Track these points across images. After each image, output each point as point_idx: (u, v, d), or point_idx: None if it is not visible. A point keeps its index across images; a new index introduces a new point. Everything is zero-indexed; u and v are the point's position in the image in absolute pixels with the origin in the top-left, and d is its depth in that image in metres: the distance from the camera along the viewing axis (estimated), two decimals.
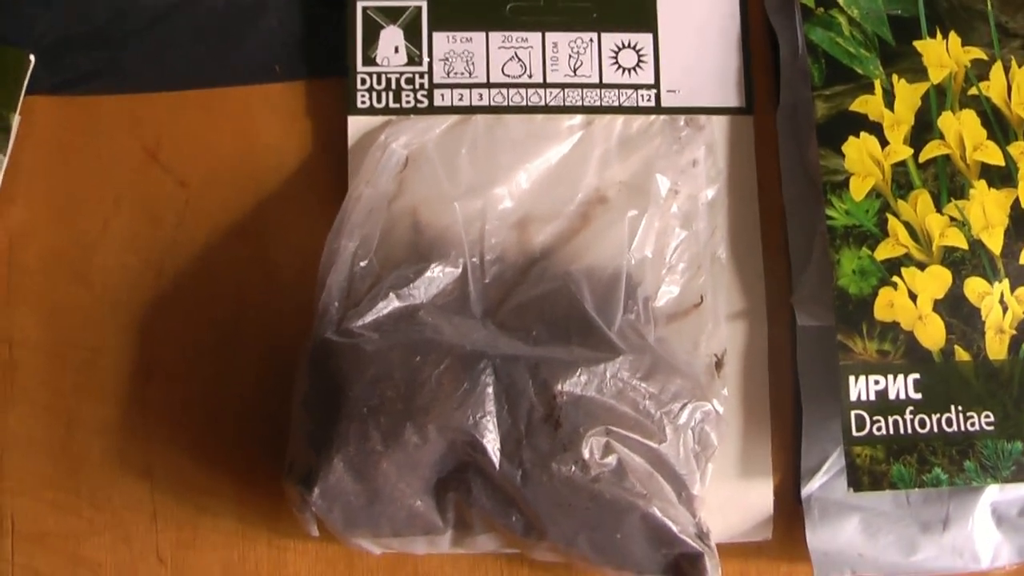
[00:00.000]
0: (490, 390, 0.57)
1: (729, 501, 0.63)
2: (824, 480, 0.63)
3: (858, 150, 0.63)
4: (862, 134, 0.63)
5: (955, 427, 0.61)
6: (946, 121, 0.64)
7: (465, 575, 0.64)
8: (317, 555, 0.64)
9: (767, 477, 0.64)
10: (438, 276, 0.61)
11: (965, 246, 0.62)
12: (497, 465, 0.57)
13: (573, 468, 0.57)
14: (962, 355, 0.62)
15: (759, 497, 0.64)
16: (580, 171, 0.64)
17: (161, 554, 0.64)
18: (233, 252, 0.66)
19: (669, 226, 0.64)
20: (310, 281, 0.62)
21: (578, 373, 0.58)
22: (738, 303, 0.65)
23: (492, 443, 0.57)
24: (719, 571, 0.60)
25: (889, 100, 0.64)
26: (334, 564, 0.64)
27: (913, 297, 0.62)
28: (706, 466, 0.61)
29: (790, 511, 0.65)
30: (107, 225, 0.66)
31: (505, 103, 0.65)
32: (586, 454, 0.57)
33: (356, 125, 0.65)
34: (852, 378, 0.61)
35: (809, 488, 0.63)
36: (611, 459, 0.58)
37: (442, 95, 0.65)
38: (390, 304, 0.60)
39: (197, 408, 0.65)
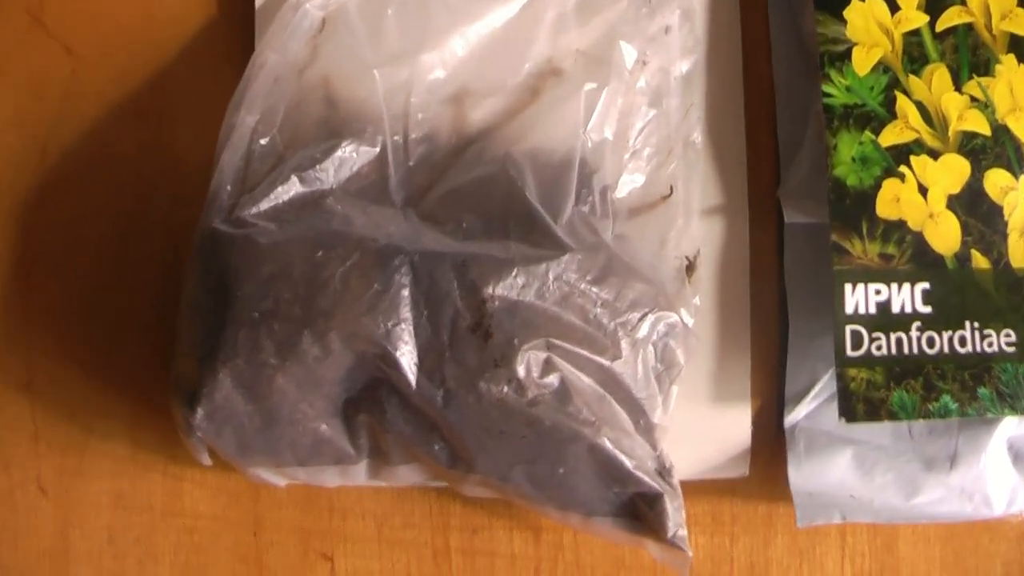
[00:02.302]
0: (406, 292, 0.47)
1: (698, 430, 0.54)
2: (812, 407, 0.54)
3: (863, 16, 0.53)
4: None
5: (969, 347, 0.52)
6: None
7: (388, 509, 0.54)
8: (218, 486, 0.55)
9: (744, 402, 0.54)
10: (351, 156, 0.50)
11: (987, 132, 0.53)
12: (414, 383, 0.47)
13: (506, 388, 0.47)
14: (980, 261, 0.52)
15: (734, 426, 0.54)
16: (529, 37, 0.53)
17: (43, 482, 0.56)
18: (128, 131, 0.56)
19: (635, 103, 0.53)
20: None
21: (514, 274, 0.47)
22: (715, 195, 0.55)
23: (408, 357, 0.46)
24: (682, 513, 0.49)
25: None
26: (237, 496, 0.55)
27: (923, 191, 0.52)
28: (670, 389, 0.50)
29: (771, 443, 0.55)
30: None
31: None
32: (521, 372, 0.47)
33: None
34: (848, 286, 0.51)
35: (794, 416, 0.54)
36: (552, 378, 0.47)
37: None
38: (292, 188, 0.49)
39: (86, 312, 0.56)
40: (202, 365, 0.47)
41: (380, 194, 0.50)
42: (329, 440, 0.48)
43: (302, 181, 0.49)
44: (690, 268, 0.52)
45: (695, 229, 0.53)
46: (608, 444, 0.48)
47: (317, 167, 0.49)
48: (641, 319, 0.49)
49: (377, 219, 0.49)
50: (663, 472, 0.50)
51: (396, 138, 0.51)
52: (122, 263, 0.56)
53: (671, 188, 0.53)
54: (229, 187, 0.49)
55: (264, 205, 0.48)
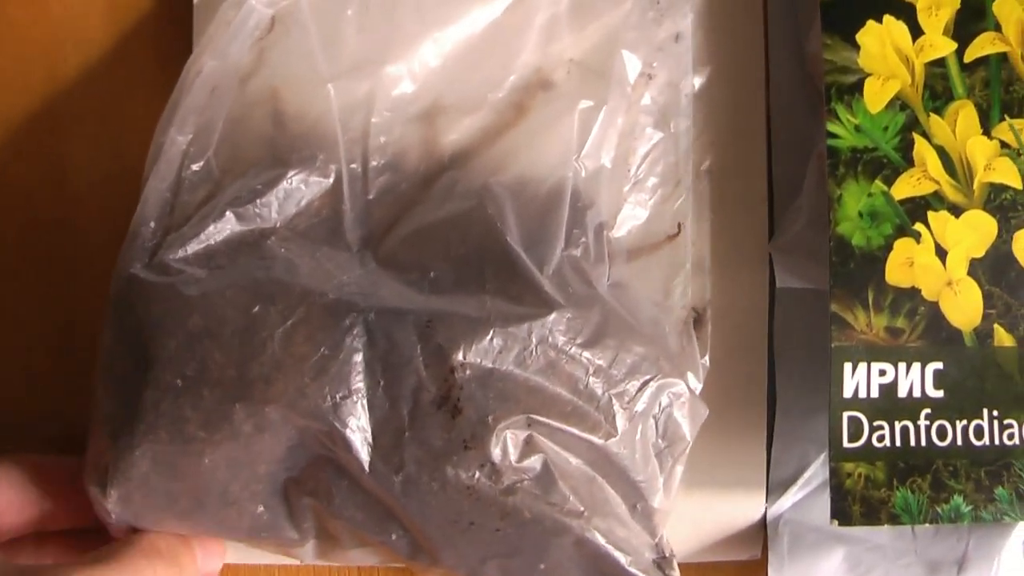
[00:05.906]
0: (359, 357, 0.38)
1: (704, 511, 0.45)
2: (799, 497, 0.47)
3: (880, 40, 0.45)
4: (886, 18, 0.45)
5: (986, 439, 0.44)
6: (1004, 6, 0.45)
7: None
8: None
9: (759, 483, 0.46)
10: (298, 188, 0.41)
11: (1019, 185, 0.45)
12: (367, 467, 0.38)
13: (477, 474, 0.38)
14: (1003, 339, 0.44)
15: (746, 507, 0.46)
16: (515, 44, 0.44)
17: None
18: (18, 145, 0.47)
19: (637, 124, 0.45)
20: (131, 192, 0.42)
21: (489, 336, 0.39)
22: (731, 236, 0.46)
23: (360, 435, 0.38)
24: None
25: None
26: None
27: (942, 254, 0.44)
28: (673, 468, 0.42)
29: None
30: None
31: None
32: (496, 454, 0.38)
33: None
34: (848, 366, 0.44)
35: (778, 507, 0.47)
36: (533, 461, 0.39)
37: None
38: (227, 227, 0.40)
39: None
40: (116, 439, 0.38)
41: (332, 234, 0.41)
42: (268, 524, 0.40)
43: (239, 218, 0.40)
44: (699, 322, 0.44)
45: (706, 276, 0.45)
46: (599, 538, 0.39)
47: (258, 201, 0.40)
48: (641, 388, 0.40)
49: (327, 265, 0.40)
50: (662, 564, 0.41)
51: (353, 166, 0.42)
52: (8, 305, 0.47)
53: (679, 226, 0.44)
54: (153, 223, 0.40)
55: (193, 247, 0.40)
